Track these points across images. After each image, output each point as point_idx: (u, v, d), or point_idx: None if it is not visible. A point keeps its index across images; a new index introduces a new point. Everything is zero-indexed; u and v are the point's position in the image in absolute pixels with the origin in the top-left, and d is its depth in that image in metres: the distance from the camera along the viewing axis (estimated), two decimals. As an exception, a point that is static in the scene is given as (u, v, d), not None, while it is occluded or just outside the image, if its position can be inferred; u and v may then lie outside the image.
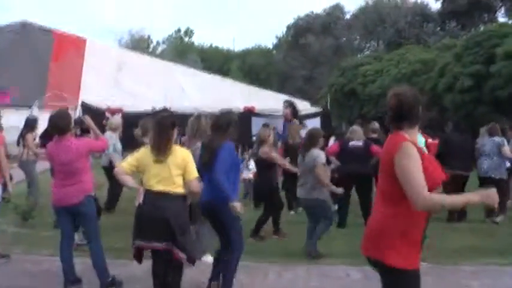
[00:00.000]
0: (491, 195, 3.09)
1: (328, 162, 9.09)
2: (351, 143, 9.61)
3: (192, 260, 4.91)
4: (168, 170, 4.86)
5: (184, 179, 4.91)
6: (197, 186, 4.99)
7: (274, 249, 7.74)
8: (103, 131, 13.17)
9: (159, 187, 4.85)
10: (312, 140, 7.56)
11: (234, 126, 5.62)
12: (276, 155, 8.76)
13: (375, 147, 9.23)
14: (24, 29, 25.20)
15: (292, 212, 10.35)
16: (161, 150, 4.89)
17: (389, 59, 33.01)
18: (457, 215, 9.89)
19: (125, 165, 5.05)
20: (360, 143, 9.56)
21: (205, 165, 5.44)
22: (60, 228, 5.89)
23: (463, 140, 10.35)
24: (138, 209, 4.93)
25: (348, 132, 10.33)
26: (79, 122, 6.09)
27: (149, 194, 4.88)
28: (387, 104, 3.37)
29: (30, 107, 20.97)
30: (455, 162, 9.66)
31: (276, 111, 22.91)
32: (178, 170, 4.88)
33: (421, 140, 7.39)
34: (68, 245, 5.81)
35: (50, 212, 7.84)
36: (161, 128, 4.98)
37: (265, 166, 8.55)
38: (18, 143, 10.05)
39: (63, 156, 5.61)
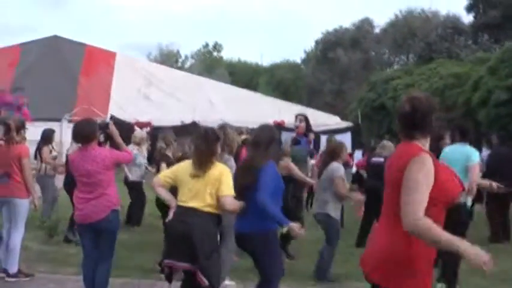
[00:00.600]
0: (481, 256, 2.69)
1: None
2: (373, 159, 9.51)
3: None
4: (203, 186, 4.60)
5: (217, 195, 4.60)
6: (231, 203, 4.62)
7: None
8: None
9: (191, 203, 4.59)
10: (332, 154, 7.35)
11: (276, 143, 5.02)
12: (295, 170, 8.38)
13: None
14: (55, 43, 25.36)
15: None
16: (202, 165, 4.65)
17: (420, 73, 32.48)
18: (502, 234, 9.46)
19: (161, 177, 4.87)
20: (381, 159, 9.29)
21: (241, 190, 4.74)
22: (82, 247, 5.60)
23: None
24: (167, 225, 4.73)
25: (378, 147, 10.15)
26: (104, 127, 5.80)
27: (179, 209, 4.63)
28: (398, 109, 3.14)
29: (59, 120, 20.98)
30: (504, 177, 9.20)
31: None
32: (212, 187, 4.60)
33: None
34: (91, 264, 5.49)
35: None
36: (205, 141, 4.76)
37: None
38: (35, 157, 9.84)
39: (88, 165, 5.30)
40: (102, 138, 5.77)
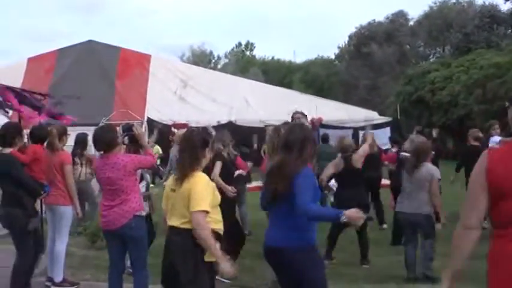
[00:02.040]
0: None
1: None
2: (401, 154, 9.24)
3: None
4: (179, 200, 4.14)
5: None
6: (197, 220, 4.01)
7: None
8: (170, 147, 12.94)
9: (170, 221, 4.23)
10: (420, 155, 7.07)
11: (310, 144, 4.21)
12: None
13: None
14: (90, 47, 25.60)
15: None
16: (179, 177, 4.17)
17: (459, 64, 31.73)
18: None
19: (163, 206, 4.49)
20: (407, 154, 9.09)
21: (273, 198, 4.09)
22: (109, 255, 5.46)
23: None
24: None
25: (407, 141, 9.88)
26: (127, 129, 5.63)
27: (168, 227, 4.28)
28: None
29: (97, 124, 21.13)
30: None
31: (343, 122, 22.37)
32: (186, 201, 4.10)
33: None
34: (117, 274, 5.35)
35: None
36: (188, 146, 4.25)
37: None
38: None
39: (109, 173, 5.16)
40: (126, 140, 5.59)
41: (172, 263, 4.06)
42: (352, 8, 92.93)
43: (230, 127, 19.19)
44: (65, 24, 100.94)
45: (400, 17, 49.52)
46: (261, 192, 4.36)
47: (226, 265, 4.03)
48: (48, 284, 6.42)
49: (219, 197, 4.35)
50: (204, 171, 4.29)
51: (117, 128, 5.68)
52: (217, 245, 4.09)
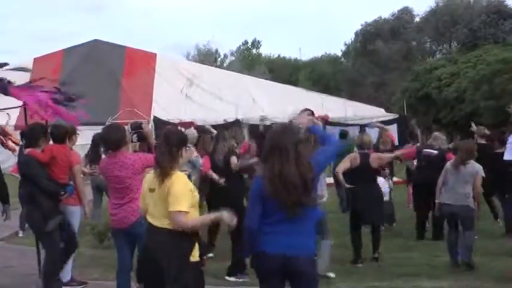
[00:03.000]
0: None
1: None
2: (425, 150, 9.18)
3: None
4: (160, 200, 4.11)
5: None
6: (175, 220, 4.02)
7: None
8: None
9: (152, 220, 4.18)
10: (469, 154, 7.35)
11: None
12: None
13: (451, 156, 8.75)
14: (96, 47, 25.61)
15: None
16: (159, 176, 4.10)
17: (466, 60, 31.62)
18: None
19: (141, 205, 4.45)
20: (434, 152, 9.15)
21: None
22: (117, 254, 5.46)
23: None
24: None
25: (431, 138, 9.88)
26: (136, 127, 5.60)
27: (148, 226, 4.22)
28: None
29: (103, 124, 21.13)
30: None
31: (350, 119, 22.30)
32: (166, 201, 4.08)
33: None
34: (125, 272, 5.38)
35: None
36: (166, 145, 4.16)
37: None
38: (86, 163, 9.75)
39: (117, 172, 5.18)
40: (135, 138, 5.58)
41: (155, 262, 4.01)
42: (358, 5, 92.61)
43: (237, 125, 19.22)
44: (69, 24, 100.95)
45: (405, 13, 49.33)
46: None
47: (224, 216, 4.12)
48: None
49: (197, 197, 4.30)
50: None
51: (126, 127, 5.67)
52: (204, 216, 4.51)
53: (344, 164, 7.81)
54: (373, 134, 12.05)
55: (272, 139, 3.87)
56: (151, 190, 4.17)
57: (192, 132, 9.05)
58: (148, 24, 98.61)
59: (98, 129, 19.86)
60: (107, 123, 21.35)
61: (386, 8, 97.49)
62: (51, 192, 6.07)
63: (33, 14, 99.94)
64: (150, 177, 4.29)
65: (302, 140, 3.91)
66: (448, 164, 7.50)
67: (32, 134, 6.15)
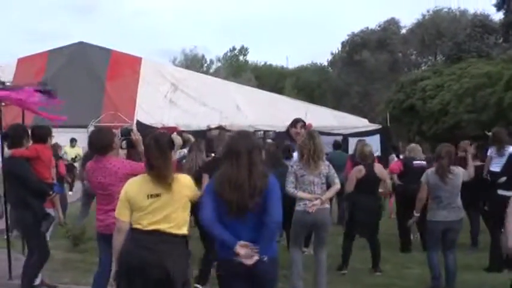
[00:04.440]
0: None
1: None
2: (415, 162, 9.17)
3: None
4: (169, 203, 4.01)
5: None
6: None
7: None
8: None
9: (154, 226, 4.00)
10: (450, 157, 6.97)
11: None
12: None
13: None
14: (81, 49, 25.45)
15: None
16: (162, 179, 4.00)
17: (450, 73, 31.80)
18: None
19: (118, 216, 4.16)
20: (424, 163, 9.17)
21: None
22: (99, 258, 5.36)
23: None
24: (122, 253, 4.04)
25: (407, 150, 9.90)
26: (126, 133, 5.52)
27: (139, 234, 3.99)
28: None
29: (86, 126, 20.96)
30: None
31: (335, 129, 22.29)
32: (181, 202, 4.05)
33: None
34: (104, 277, 5.25)
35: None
36: (158, 151, 4.06)
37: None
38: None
39: (101, 178, 5.08)
40: (124, 145, 5.48)
41: (160, 271, 3.87)
42: (346, 15, 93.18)
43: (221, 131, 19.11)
44: (58, 25, 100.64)
45: (392, 24, 49.68)
46: None
47: None
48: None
49: None
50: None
51: (116, 132, 5.58)
52: None
53: (352, 182, 7.72)
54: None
55: (229, 144, 4.05)
56: (154, 196, 3.99)
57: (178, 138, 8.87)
58: (137, 28, 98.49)
59: (80, 131, 19.73)
60: (90, 125, 21.31)
61: (373, 19, 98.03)
62: (41, 193, 6.03)
63: (21, 13, 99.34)
64: (142, 182, 4.10)
65: (256, 147, 4.02)
66: (431, 178, 6.99)
67: (15, 134, 6.06)
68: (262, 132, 20.87)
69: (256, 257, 3.69)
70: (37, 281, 6.30)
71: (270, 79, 57.82)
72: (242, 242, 3.73)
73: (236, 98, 24.17)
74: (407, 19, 69.56)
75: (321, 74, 56.71)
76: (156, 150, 4.07)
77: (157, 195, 4.00)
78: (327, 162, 6.49)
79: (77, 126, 19.81)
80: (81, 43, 26.27)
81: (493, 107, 24.51)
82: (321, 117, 23.06)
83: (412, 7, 59.17)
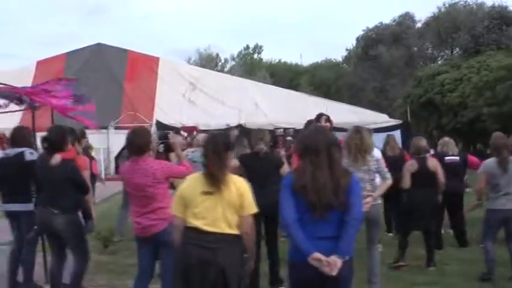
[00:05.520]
0: None
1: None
2: (447, 158, 8.95)
3: None
4: (222, 204, 3.99)
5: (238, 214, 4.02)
6: (251, 223, 4.06)
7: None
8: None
9: (210, 227, 3.97)
10: (508, 146, 6.90)
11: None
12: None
13: (473, 159, 8.55)
14: (99, 50, 25.55)
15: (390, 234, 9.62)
16: (215, 179, 4.00)
17: (469, 66, 31.48)
18: None
19: (175, 212, 4.17)
20: (456, 158, 8.97)
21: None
22: (139, 261, 5.27)
23: None
24: (179, 252, 4.06)
25: (439, 145, 9.69)
26: (163, 137, 5.45)
27: (194, 233, 3.99)
28: None
29: (106, 128, 21.02)
30: None
31: (353, 125, 22.18)
32: (232, 205, 4.00)
33: None
34: (145, 281, 5.19)
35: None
36: (213, 150, 4.06)
37: None
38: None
39: (138, 179, 4.98)
40: (162, 148, 5.40)
41: (217, 269, 3.87)
42: (359, 11, 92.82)
43: (240, 130, 19.06)
44: (70, 27, 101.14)
45: (407, 19, 49.27)
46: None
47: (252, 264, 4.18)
48: (63, 289, 6.27)
49: None
50: None
51: (153, 135, 5.51)
52: None
53: (407, 179, 7.57)
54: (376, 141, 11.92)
55: (305, 141, 3.90)
56: (207, 193, 4.01)
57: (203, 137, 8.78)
58: (150, 28, 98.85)
59: (100, 133, 19.78)
60: (110, 127, 21.35)
61: (388, 14, 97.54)
62: (86, 195, 6.06)
63: (34, 17, 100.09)
64: (197, 179, 4.10)
65: (335, 143, 3.88)
66: (490, 167, 6.91)
67: (62, 138, 5.95)
68: (282, 130, 20.87)
69: (338, 266, 3.53)
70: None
71: (285, 77, 57.72)
72: (316, 255, 3.55)
73: (254, 96, 24.14)
74: (423, 13, 69.09)
75: (336, 71, 56.48)
76: (211, 152, 4.07)
77: (211, 193, 3.99)
78: (376, 157, 6.26)
79: (97, 128, 19.88)
80: (98, 44, 26.39)
81: (514, 99, 24.22)
82: (341, 113, 22.93)
83: (427, 1, 58.93)
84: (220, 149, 4.08)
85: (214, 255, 3.90)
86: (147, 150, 5.10)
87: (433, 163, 7.79)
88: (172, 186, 5.43)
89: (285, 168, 6.63)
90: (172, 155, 6.90)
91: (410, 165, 7.68)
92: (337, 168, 3.76)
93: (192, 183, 4.12)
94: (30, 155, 6.44)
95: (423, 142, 8.03)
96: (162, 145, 5.43)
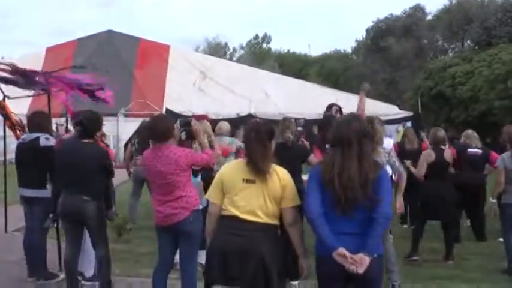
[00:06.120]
0: None
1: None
2: (470, 150, 8.82)
3: None
4: (262, 192, 3.86)
5: (279, 205, 3.89)
6: (295, 215, 3.93)
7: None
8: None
9: (249, 215, 3.84)
10: None
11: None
12: None
13: (496, 156, 8.49)
14: (110, 37, 25.43)
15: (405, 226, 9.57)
16: (257, 166, 3.86)
17: (480, 59, 31.18)
18: None
19: (210, 198, 4.05)
20: (479, 151, 8.86)
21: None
22: (159, 249, 5.18)
23: None
24: (214, 239, 3.92)
25: (462, 137, 9.57)
26: (185, 124, 5.32)
27: (231, 221, 3.86)
28: None
29: (115, 115, 20.94)
30: None
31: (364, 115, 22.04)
32: (273, 195, 3.87)
33: None
34: (165, 271, 5.12)
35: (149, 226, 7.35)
36: (256, 138, 3.92)
37: None
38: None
39: (160, 166, 4.88)
40: (184, 136, 5.29)
41: (256, 259, 3.72)
42: (369, 2, 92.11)
43: (250, 120, 18.96)
44: (81, 17, 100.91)
45: (418, 11, 48.92)
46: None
47: (305, 261, 3.95)
48: (79, 278, 6.20)
49: None
50: None
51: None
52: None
53: (423, 168, 7.51)
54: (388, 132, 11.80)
55: (337, 130, 3.73)
56: (249, 181, 3.88)
57: (226, 124, 8.57)
58: (158, 17, 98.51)
59: (109, 120, 19.62)
60: (119, 114, 21.27)
61: (398, 5, 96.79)
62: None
63: (47, 7, 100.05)
64: (238, 166, 4.00)
65: (367, 134, 3.75)
66: (507, 162, 6.90)
67: (97, 123, 5.85)
68: (292, 120, 20.72)
69: (366, 263, 3.41)
70: (90, 273, 6.15)
71: (293, 67, 57.47)
72: (341, 251, 3.44)
73: (265, 86, 24.01)
74: (433, 5, 68.61)
75: (345, 62, 56.19)
76: (254, 141, 3.93)
77: (253, 181, 3.88)
78: (387, 149, 6.15)
79: (106, 115, 19.78)
80: (109, 31, 26.29)
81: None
82: (351, 105, 22.78)
83: (438, -7, 58.87)
84: (264, 138, 3.96)
85: (254, 244, 3.76)
86: (170, 136, 5.01)
87: (449, 154, 7.68)
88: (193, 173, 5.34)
89: (313, 158, 6.54)
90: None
91: (428, 155, 7.58)
92: (367, 161, 3.61)
93: (234, 169, 4.02)
94: (45, 140, 6.37)
95: (442, 133, 7.93)
96: (184, 132, 5.29)
